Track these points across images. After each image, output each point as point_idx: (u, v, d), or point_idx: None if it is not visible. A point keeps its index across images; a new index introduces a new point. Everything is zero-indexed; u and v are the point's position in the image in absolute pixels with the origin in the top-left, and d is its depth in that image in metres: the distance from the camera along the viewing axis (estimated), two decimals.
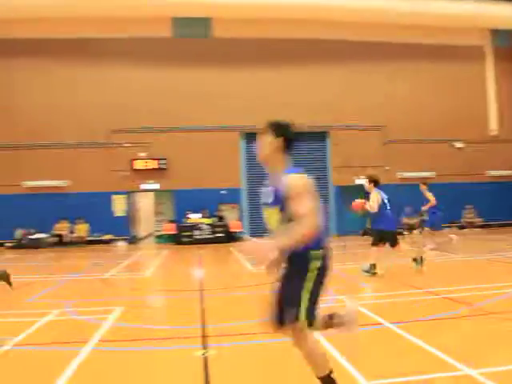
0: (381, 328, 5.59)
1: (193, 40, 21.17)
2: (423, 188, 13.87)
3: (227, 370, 4.40)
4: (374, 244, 9.42)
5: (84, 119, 20.49)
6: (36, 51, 20.72)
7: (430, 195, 13.72)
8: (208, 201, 20.47)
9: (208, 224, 19.93)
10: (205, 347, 5.01)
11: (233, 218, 20.83)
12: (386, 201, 9.40)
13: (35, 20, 19.90)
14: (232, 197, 20.21)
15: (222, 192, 20.71)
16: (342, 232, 20.43)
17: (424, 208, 13.87)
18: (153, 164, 20.76)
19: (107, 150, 20.68)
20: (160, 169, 20.75)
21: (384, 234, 9.35)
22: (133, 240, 21.16)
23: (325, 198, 18.26)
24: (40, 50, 20.71)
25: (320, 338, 4.56)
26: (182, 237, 19.71)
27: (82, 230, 20.18)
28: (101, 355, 4.90)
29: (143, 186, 21.00)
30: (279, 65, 21.54)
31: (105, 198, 20.45)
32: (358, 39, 21.52)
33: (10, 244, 19.80)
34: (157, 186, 21.07)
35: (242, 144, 21.38)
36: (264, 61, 21.50)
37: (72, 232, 20.18)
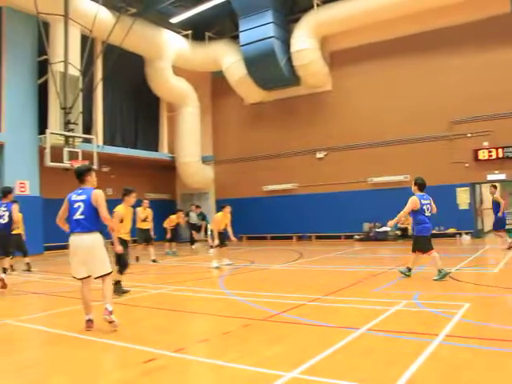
0: None
1: None
2: (493, 191, 14.96)
3: None
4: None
5: (423, 113, 20.52)
6: (377, 54, 21.88)
7: (499, 198, 14.89)
8: None
9: None
10: None
11: None
12: (424, 207, 9.40)
13: (362, 28, 21.16)
14: None
15: None
16: None
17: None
18: (498, 153, 19.28)
19: (448, 142, 20.21)
20: (507, 157, 19.11)
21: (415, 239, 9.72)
22: (478, 234, 20.11)
23: None
24: (379, 52, 21.78)
25: None
26: None
27: None
28: (448, 350, 4.81)
29: (489, 177, 19.71)
30: None
31: (448, 191, 20.01)
32: None
33: (358, 236, 21.28)
34: (502, 177, 19.50)
35: None
36: None
37: None
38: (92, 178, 6.44)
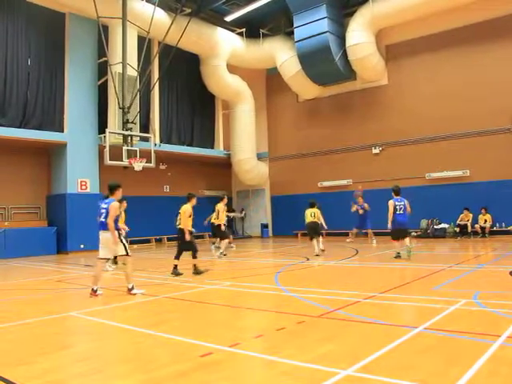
0: None
1: None
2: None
3: None
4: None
5: (484, 106, 19.82)
6: (434, 45, 21.33)
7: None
8: None
9: None
10: None
11: None
12: (397, 207, 12.93)
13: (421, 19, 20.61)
14: None
15: None
16: None
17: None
18: None
19: (510, 135, 19.43)
20: None
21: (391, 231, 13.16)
22: None
23: None
24: (436, 44, 21.21)
25: None
26: None
27: (485, 220, 19.54)
28: (510, 352, 4.64)
29: None
30: None
31: (509, 187, 19.23)
32: None
33: (415, 233, 20.83)
34: None
35: None
36: None
37: (475, 222, 19.75)
38: (119, 193, 8.93)
